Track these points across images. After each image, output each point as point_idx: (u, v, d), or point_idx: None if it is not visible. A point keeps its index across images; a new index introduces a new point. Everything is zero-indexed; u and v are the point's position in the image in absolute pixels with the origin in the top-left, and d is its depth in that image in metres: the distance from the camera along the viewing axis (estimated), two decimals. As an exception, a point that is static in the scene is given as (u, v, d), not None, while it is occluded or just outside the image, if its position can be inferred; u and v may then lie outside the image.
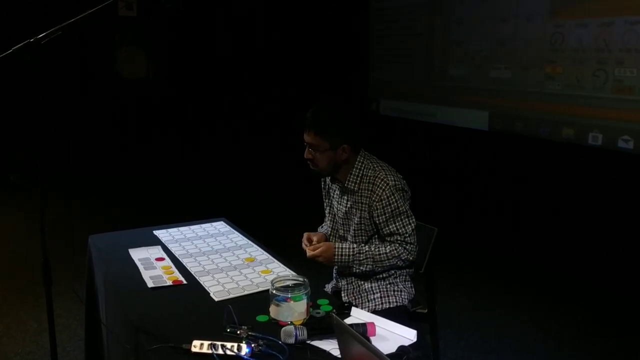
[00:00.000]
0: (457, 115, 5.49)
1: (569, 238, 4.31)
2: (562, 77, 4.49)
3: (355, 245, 2.18)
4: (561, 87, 4.51)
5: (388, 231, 2.15)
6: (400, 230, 2.13)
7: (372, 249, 2.16)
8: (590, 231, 4.20)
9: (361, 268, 2.15)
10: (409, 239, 2.14)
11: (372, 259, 2.13)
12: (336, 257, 2.15)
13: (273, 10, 7.44)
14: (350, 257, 2.15)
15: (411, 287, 2.32)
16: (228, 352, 1.55)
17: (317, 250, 2.16)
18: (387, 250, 2.13)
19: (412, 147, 5.88)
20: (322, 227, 2.49)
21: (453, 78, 5.53)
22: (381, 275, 2.24)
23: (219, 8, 7.48)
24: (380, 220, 2.14)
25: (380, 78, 6.55)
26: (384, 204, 2.11)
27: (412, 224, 2.15)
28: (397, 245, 2.14)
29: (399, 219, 2.13)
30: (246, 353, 1.55)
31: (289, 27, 7.38)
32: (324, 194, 2.46)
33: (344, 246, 2.17)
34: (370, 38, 6.57)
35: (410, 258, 2.18)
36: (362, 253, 2.14)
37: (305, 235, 2.35)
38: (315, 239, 2.32)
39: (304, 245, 2.31)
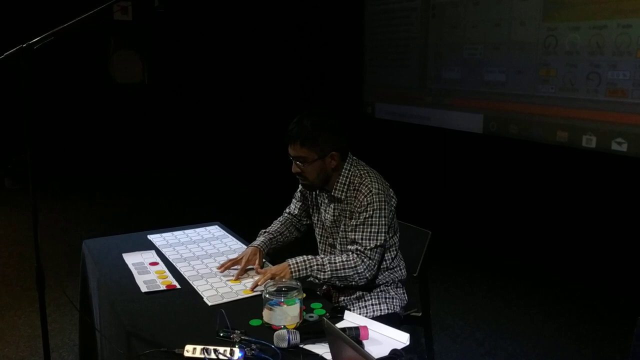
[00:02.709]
0: (452, 118, 5.51)
1: (564, 240, 4.32)
2: (555, 80, 4.51)
3: (310, 255, 2.08)
4: (555, 90, 4.53)
5: (351, 237, 2.06)
6: (362, 241, 2.03)
7: (330, 257, 2.07)
8: (585, 233, 4.21)
9: (320, 275, 2.01)
10: (368, 252, 2.02)
11: (329, 265, 2.01)
12: (291, 266, 2.01)
13: (268, 14, 7.45)
14: (307, 262, 2.02)
15: (404, 294, 2.29)
16: (221, 357, 1.55)
17: (269, 274, 2.00)
18: (344, 259, 2.02)
19: (407, 150, 5.90)
20: (263, 232, 2.39)
21: (447, 81, 5.55)
22: (374, 282, 2.22)
23: (214, 12, 7.49)
24: (351, 224, 2.07)
25: (375, 81, 6.56)
26: (361, 210, 2.04)
27: (378, 241, 2.03)
28: (355, 256, 2.03)
29: (367, 229, 2.03)
30: (239, 357, 1.55)
31: (284, 30, 7.39)
32: (302, 196, 2.39)
33: (296, 257, 2.05)
34: (365, 41, 6.58)
35: (367, 275, 2.04)
36: (319, 259, 2.04)
37: (245, 259, 2.18)
38: (256, 264, 2.18)
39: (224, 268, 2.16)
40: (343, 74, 6.80)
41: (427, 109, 5.81)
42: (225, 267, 2.20)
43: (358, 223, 2.05)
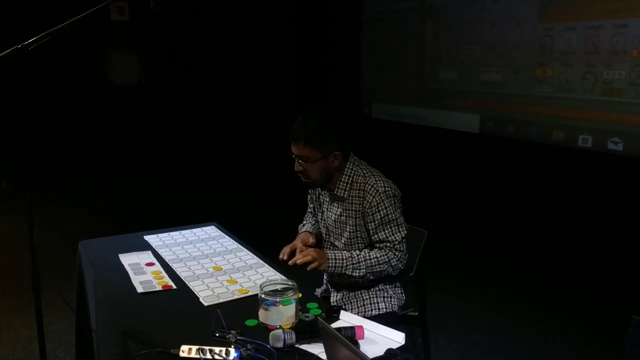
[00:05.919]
0: (449, 118, 5.52)
1: (561, 239, 4.33)
2: (552, 80, 4.53)
3: (347, 253, 2.15)
4: (551, 90, 4.54)
5: (377, 238, 2.14)
6: (389, 238, 2.12)
7: (364, 253, 2.14)
8: (581, 232, 4.23)
9: (355, 273, 2.11)
10: (398, 246, 2.12)
11: (364, 263, 2.11)
12: (330, 260, 2.10)
13: (266, 14, 7.45)
14: (345, 260, 2.11)
15: (401, 293, 2.31)
16: (216, 357, 1.55)
17: (309, 256, 2.08)
18: (378, 255, 2.11)
19: (404, 150, 5.90)
20: (303, 225, 2.47)
21: (444, 81, 5.56)
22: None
23: (211, 12, 7.48)
24: (371, 227, 2.13)
25: (372, 82, 6.57)
26: (374, 211, 2.10)
27: (402, 232, 2.13)
28: (387, 250, 2.12)
29: (388, 226, 2.11)
30: (234, 357, 1.55)
31: (282, 31, 7.39)
32: (310, 197, 2.46)
33: (336, 252, 2.16)
34: (362, 42, 6.59)
35: (400, 265, 2.15)
36: (355, 257, 2.12)
37: (300, 240, 2.28)
38: (311, 241, 2.28)
39: (286, 255, 2.16)
40: (340, 75, 6.81)
41: (424, 109, 5.82)
42: (285, 253, 2.18)
43: (377, 224, 2.12)
